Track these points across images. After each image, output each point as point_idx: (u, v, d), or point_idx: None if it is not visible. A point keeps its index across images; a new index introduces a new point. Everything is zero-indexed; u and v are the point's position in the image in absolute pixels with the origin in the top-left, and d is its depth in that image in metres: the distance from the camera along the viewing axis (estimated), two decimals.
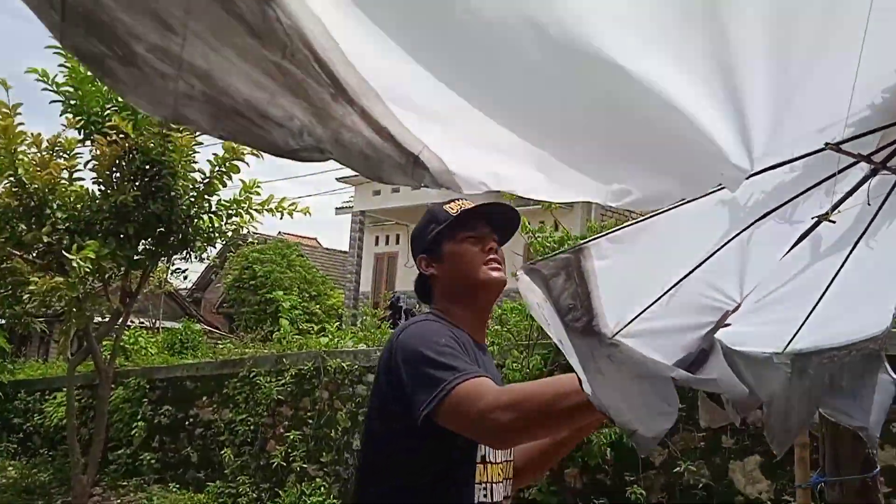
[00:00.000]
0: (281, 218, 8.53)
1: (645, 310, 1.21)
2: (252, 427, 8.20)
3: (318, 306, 17.68)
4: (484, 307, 1.81)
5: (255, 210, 8.21)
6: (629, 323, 1.20)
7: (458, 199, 1.84)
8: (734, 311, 1.33)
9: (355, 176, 17.56)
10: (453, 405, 1.40)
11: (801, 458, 3.53)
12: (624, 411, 1.20)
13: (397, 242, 19.47)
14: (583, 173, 0.97)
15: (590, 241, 1.16)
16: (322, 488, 7.30)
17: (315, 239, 28.42)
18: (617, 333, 1.19)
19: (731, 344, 1.26)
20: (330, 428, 7.60)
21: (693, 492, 5.09)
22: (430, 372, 1.46)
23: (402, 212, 17.25)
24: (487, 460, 1.65)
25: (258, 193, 8.27)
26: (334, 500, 7.17)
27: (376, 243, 19.77)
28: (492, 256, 1.78)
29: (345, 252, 26.04)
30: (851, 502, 3.41)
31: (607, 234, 1.18)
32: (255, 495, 7.77)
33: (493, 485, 1.67)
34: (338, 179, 17.75)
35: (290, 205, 8.33)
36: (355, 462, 1.73)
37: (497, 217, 1.84)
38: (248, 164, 8.03)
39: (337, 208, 19.87)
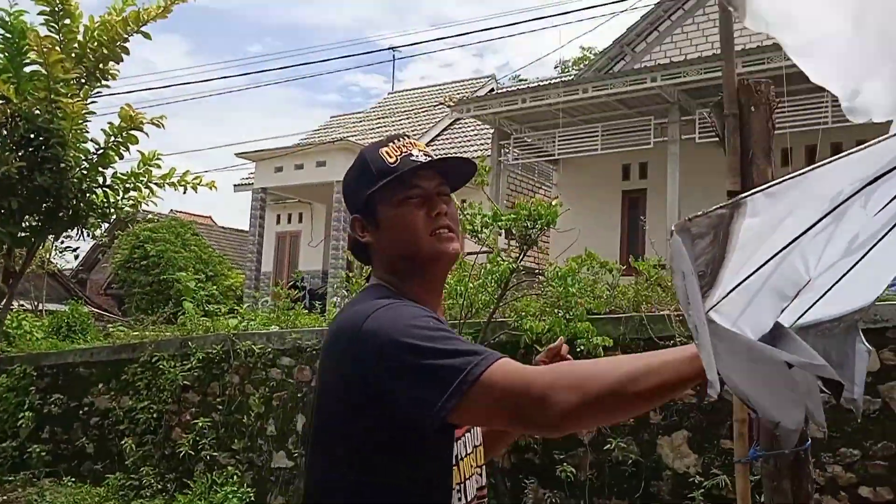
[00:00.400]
0: (185, 192, 7.99)
1: (743, 281, 1.07)
2: (155, 415, 7.72)
3: (215, 287, 16.97)
4: (434, 281, 1.49)
5: (156, 184, 7.66)
6: (726, 295, 1.06)
7: (396, 141, 1.48)
8: (805, 286, 1.22)
9: (255, 151, 16.90)
10: (485, 394, 1.16)
11: (741, 434, 3.57)
12: (759, 400, 1.07)
13: (300, 221, 18.94)
14: (844, 63, 0.85)
15: (749, 194, 1.00)
16: (235, 476, 6.96)
17: (209, 217, 27.34)
18: (712, 308, 1.04)
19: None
20: (241, 414, 7.25)
21: (622, 468, 5.13)
22: (435, 363, 1.19)
23: (305, 189, 16.75)
24: (459, 458, 1.43)
25: (159, 166, 7.70)
26: (248, 489, 6.85)
27: (278, 222, 19.15)
28: (443, 222, 1.42)
29: (242, 231, 25.15)
30: (785, 475, 3.52)
31: (767, 187, 1.03)
32: (160, 486, 7.32)
33: (465, 482, 1.45)
34: (237, 155, 17.01)
35: (193, 178, 7.83)
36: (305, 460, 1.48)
37: (446, 167, 1.48)
38: (147, 133, 7.46)
39: (236, 185, 19.09)
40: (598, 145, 12.69)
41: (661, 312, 5.18)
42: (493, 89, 18.72)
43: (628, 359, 1.18)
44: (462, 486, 1.43)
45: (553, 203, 5.34)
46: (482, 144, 16.52)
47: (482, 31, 46.33)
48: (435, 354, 1.20)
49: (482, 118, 13.94)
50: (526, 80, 23.20)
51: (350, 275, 7.61)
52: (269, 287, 18.25)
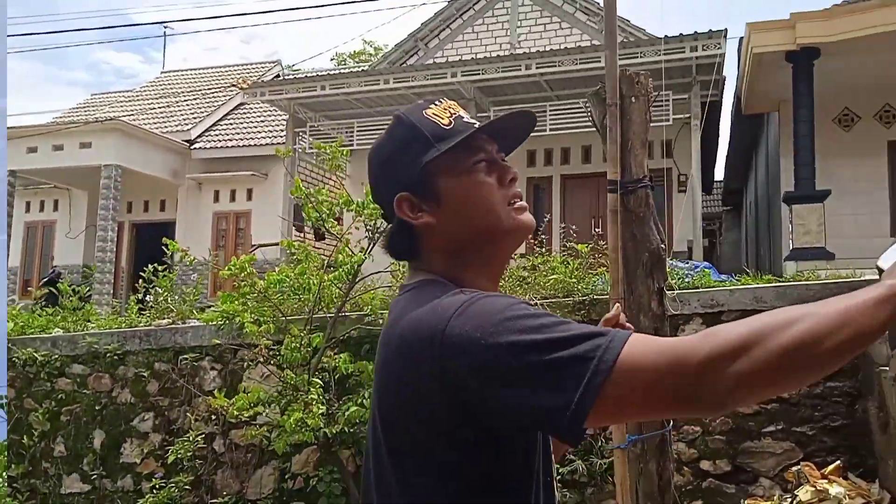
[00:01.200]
0: None
1: None
2: None
3: None
4: (501, 265, 1.28)
5: None
6: None
7: (438, 103, 1.25)
8: None
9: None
10: (627, 384, 0.92)
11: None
12: None
13: (56, 209, 16.75)
14: None
15: None
16: None
17: None
18: None
19: None
20: (20, 433, 6.14)
21: None
22: (554, 358, 0.94)
23: (65, 173, 14.83)
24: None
25: None
26: None
27: (28, 210, 16.77)
28: (517, 191, 1.23)
29: None
30: (651, 457, 3.69)
31: None
32: None
33: None
34: None
35: None
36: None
37: (504, 128, 1.25)
38: None
39: None
40: None
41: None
42: (278, 75, 17.95)
43: (799, 312, 0.93)
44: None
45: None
46: (270, 131, 15.76)
47: (254, 14, 44.32)
48: (550, 347, 0.95)
49: (277, 104, 13.28)
50: (300, 70, 22.62)
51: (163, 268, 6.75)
52: (70, 284, 15.99)
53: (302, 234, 14.65)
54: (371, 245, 5.21)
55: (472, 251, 1.20)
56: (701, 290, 4.91)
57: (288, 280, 5.15)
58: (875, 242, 11.03)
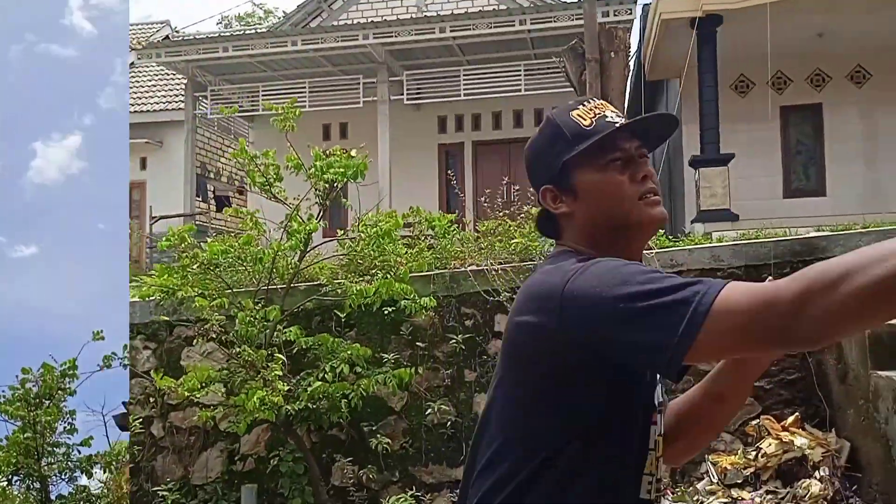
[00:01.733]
0: None
1: None
2: None
3: None
4: (637, 252, 1.39)
5: None
6: None
7: (586, 103, 1.38)
8: None
9: None
10: (724, 321, 1.03)
11: None
12: None
13: None
14: None
15: None
16: None
17: None
18: None
19: None
20: None
21: (441, 431, 4.95)
22: (658, 302, 1.08)
23: None
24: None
25: None
26: None
27: None
28: (650, 186, 1.34)
29: None
30: None
31: None
32: None
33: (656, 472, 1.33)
34: None
35: None
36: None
37: (646, 128, 1.38)
38: None
39: None
40: (307, 102, 12.17)
41: (470, 267, 5.08)
42: (167, 36, 16.84)
43: (889, 247, 0.95)
44: (653, 475, 1.34)
45: (355, 154, 4.87)
46: (164, 96, 14.81)
47: None
48: (656, 294, 1.10)
49: (174, 66, 12.45)
50: (180, 32, 21.38)
51: None
52: None
53: (207, 205, 13.95)
54: (321, 212, 4.95)
55: (606, 240, 1.33)
56: (659, 250, 4.97)
57: (232, 250, 4.82)
58: (771, 204, 11.66)
